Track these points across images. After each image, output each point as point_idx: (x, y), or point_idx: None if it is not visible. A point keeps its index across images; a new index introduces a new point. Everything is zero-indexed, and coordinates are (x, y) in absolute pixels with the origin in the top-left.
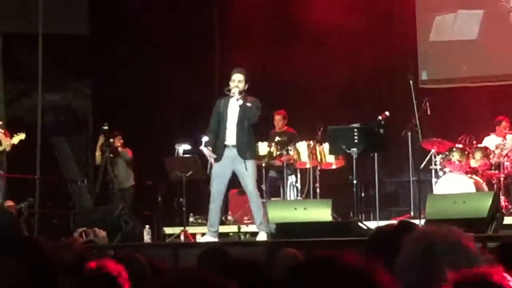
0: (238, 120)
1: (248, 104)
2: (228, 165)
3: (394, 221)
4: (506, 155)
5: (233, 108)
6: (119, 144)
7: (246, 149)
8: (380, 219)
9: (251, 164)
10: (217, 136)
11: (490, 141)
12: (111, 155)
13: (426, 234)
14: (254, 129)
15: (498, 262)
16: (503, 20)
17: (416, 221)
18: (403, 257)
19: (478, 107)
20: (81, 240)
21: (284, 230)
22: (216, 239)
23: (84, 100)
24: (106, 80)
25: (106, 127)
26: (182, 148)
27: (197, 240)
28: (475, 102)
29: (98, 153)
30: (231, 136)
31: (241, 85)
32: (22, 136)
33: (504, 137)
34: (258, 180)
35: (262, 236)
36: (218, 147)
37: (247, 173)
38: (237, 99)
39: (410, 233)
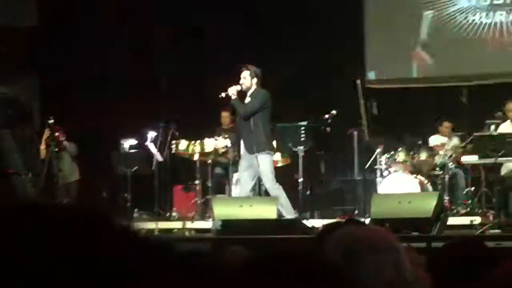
0: (239, 117)
1: (247, 100)
2: (246, 161)
3: (341, 219)
4: (451, 155)
5: None
6: (63, 138)
7: (251, 144)
8: (325, 217)
9: (263, 160)
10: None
11: (435, 141)
12: (56, 149)
13: (347, 234)
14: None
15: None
16: (451, 21)
17: (362, 220)
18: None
19: (424, 108)
20: None
21: (230, 227)
22: None
23: (30, 92)
24: (53, 73)
25: (51, 121)
26: (128, 143)
27: None
28: (421, 103)
29: (43, 147)
30: (241, 133)
31: (246, 81)
32: None
33: (449, 137)
34: (204, 177)
35: None
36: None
37: (260, 169)
38: (231, 97)
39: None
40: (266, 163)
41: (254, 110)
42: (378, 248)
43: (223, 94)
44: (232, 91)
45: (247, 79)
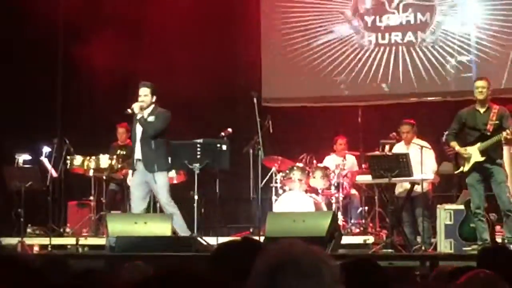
0: (141, 136)
1: (150, 118)
2: (140, 177)
3: (237, 238)
4: (346, 175)
5: (138, 124)
6: None
7: (152, 162)
8: (220, 235)
9: (159, 177)
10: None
11: (331, 160)
12: None
13: (273, 251)
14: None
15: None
16: (349, 41)
17: (255, 238)
18: (252, 277)
19: (319, 127)
20: None
21: (124, 244)
22: None
23: None
24: None
25: None
26: (22, 158)
27: None
28: (317, 122)
29: None
30: (138, 151)
31: (146, 99)
32: None
33: (344, 157)
34: (98, 193)
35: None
36: (133, 160)
37: (157, 185)
38: (136, 114)
39: (256, 250)
40: (162, 180)
41: (160, 130)
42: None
43: (129, 111)
44: (137, 108)
45: (148, 96)
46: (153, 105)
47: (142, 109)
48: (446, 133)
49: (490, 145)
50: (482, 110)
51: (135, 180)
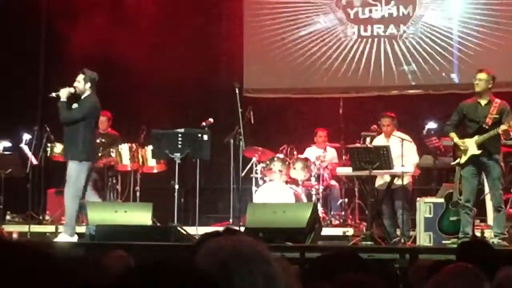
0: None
1: (74, 105)
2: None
3: (219, 228)
4: (326, 167)
5: None
6: None
7: (67, 151)
8: (199, 225)
9: (71, 165)
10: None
11: (311, 152)
12: None
13: (219, 246)
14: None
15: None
16: (329, 34)
17: (236, 228)
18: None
19: (300, 119)
20: None
21: (104, 232)
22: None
23: None
24: None
25: None
26: (2, 144)
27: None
28: (298, 113)
29: None
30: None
31: (79, 85)
32: None
33: (325, 149)
34: None
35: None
36: None
37: (67, 174)
38: (60, 98)
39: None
40: (72, 170)
41: (77, 117)
42: (249, 259)
43: (53, 94)
44: (64, 92)
45: (81, 83)
46: (88, 92)
47: (75, 93)
48: (447, 123)
49: (487, 139)
50: (483, 103)
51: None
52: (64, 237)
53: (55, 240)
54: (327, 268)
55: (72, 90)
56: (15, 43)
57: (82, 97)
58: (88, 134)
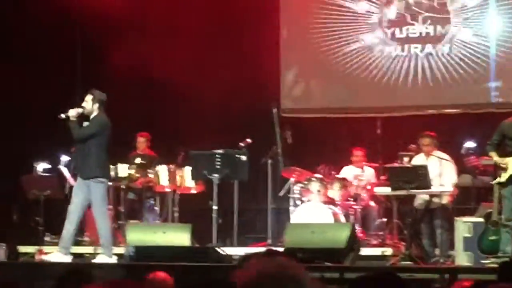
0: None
1: (85, 124)
2: (78, 185)
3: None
4: (364, 186)
5: None
6: None
7: (84, 169)
8: (238, 246)
9: (92, 184)
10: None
11: (349, 171)
12: None
13: (256, 270)
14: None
15: None
16: (368, 53)
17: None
18: None
19: (337, 138)
20: None
21: (143, 253)
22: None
23: None
24: None
25: None
26: (41, 166)
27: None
28: (335, 133)
29: None
30: (76, 157)
31: (87, 105)
32: None
33: (362, 168)
34: (116, 202)
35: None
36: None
37: (90, 192)
38: (70, 118)
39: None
40: (97, 188)
41: (89, 132)
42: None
43: (62, 115)
44: (73, 113)
45: (89, 103)
46: (96, 112)
47: (83, 114)
48: (488, 142)
49: None
50: None
51: (74, 189)
52: (103, 259)
53: (94, 261)
54: None
55: (80, 110)
56: (52, 67)
57: (91, 117)
58: (101, 151)
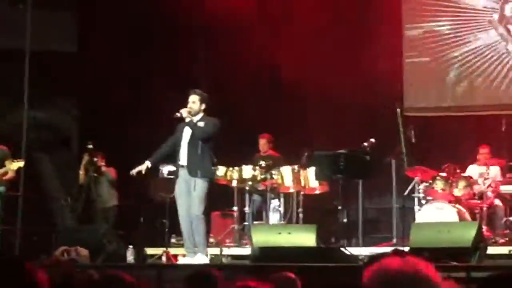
0: (189, 140)
1: (200, 123)
2: (182, 185)
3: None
4: (490, 185)
5: (186, 128)
6: (102, 163)
7: (196, 168)
8: (363, 245)
9: (200, 183)
10: (173, 157)
11: (474, 170)
12: (95, 174)
13: (384, 271)
14: (211, 148)
15: None
16: (490, 50)
17: (403, 249)
18: None
19: (461, 137)
20: (62, 259)
21: (268, 254)
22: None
23: (69, 118)
24: (92, 98)
25: (90, 146)
26: (166, 169)
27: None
28: (459, 131)
29: (82, 172)
30: (183, 156)
31: (194, 106)
32: (21, 163)
33: (488, 166)
34: (241, 203)
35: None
36: (176, 168)
37: (194, 193)
38: (185, 118)
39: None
40: (203, 188)
41: (210, 134)
42: (415, 282)
43: (178, 114)
44: (184, 112)
45: (196, 104)
46: (202, 113)
47: (190, 114)
48: None
49: None
50: None
51: (179, 188)
52: (202, 259)
53: (193, 263)
54: None
55: (190, 110)
56: (176, 68)
57: (199, 117)
58: (212, 153)
